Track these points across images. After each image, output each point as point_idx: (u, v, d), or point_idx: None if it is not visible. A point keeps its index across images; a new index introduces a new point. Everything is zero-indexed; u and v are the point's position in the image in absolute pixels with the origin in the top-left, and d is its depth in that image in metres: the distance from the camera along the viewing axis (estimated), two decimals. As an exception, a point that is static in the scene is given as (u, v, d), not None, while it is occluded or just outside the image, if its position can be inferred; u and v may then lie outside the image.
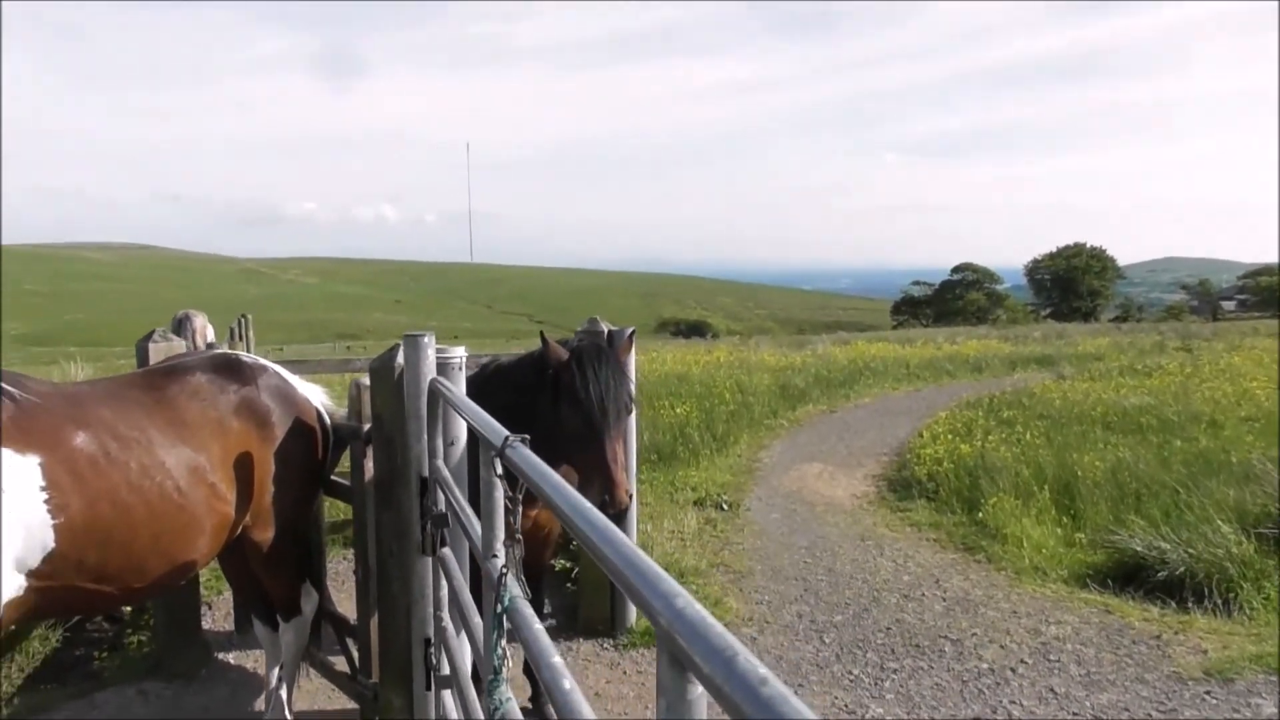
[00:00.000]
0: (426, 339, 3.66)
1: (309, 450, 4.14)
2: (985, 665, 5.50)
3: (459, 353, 3.78)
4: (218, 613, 6.40)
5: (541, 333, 4.16)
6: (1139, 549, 6.84)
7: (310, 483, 4.28)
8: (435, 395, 3.53)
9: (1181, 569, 6.46)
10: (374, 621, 4.31)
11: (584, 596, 6.11)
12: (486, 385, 4.33)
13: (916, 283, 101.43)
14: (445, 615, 3.57)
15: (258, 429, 3.91)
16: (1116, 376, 17.94)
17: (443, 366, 3.69)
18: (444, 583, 3.62)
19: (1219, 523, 6.86)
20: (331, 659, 5.10)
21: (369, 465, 4.25)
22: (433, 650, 3.69)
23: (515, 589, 2.07)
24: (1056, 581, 6.92)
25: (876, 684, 5.30)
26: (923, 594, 6.74)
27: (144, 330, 5.77)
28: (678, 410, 13.03)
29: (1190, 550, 6.57)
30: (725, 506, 9.36)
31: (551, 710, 4.86)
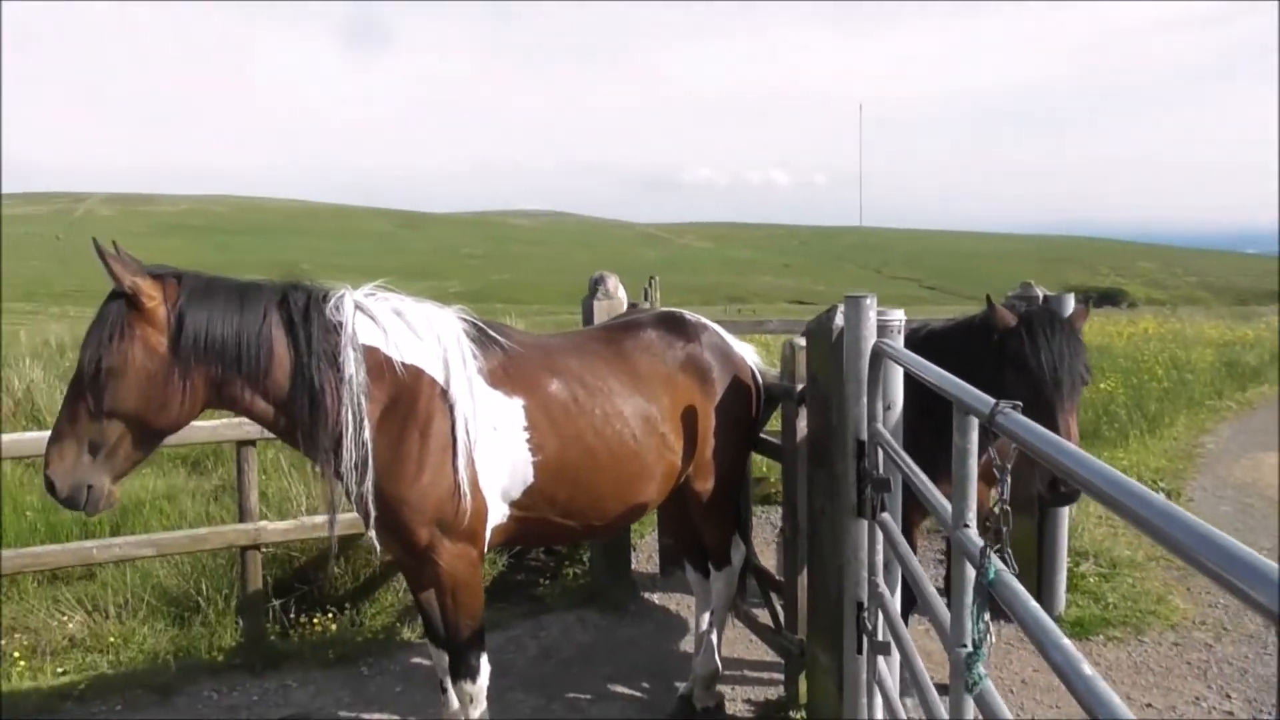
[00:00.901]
0: (868, 300, 3.61)
1: (745, 407, 4.28)
2: None
3: (898, 315, 3.70)
4: (640, 555, 6.86)
5: (988, 296, 3.96)
6: None
7: (746, 438, 4.43)
8: (878, 357, 3.47)
9: None
10: (801, 579, 4.39)
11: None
12: (917, 351, 4.21)
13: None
14: (881, 580, 3.54)
15: (700, 384, 4.10)
16: None
17: (882, 328, 3.63)
18: (880, 548, 3.58)
19: None
20: (754, 611, 5.29)
21: (800, 425, 4.31)
22: (866, 614, 3.67)
23: (998, 562, 1.97)
24: None
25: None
26: None
27: (560, 290, 6.36)
28: (1101, 386, 11.99)
29: None
30: (1162, 494, 8.48)
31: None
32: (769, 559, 6.63)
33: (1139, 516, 1.30)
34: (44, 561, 5.07)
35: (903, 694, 3.59)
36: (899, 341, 3.56)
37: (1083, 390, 3.78)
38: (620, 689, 4.99)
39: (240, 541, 5.37)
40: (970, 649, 2.05)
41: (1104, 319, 26.33)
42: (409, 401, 3.45)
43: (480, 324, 3.74)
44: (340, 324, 3.36)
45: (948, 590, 4.40)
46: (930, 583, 2.82)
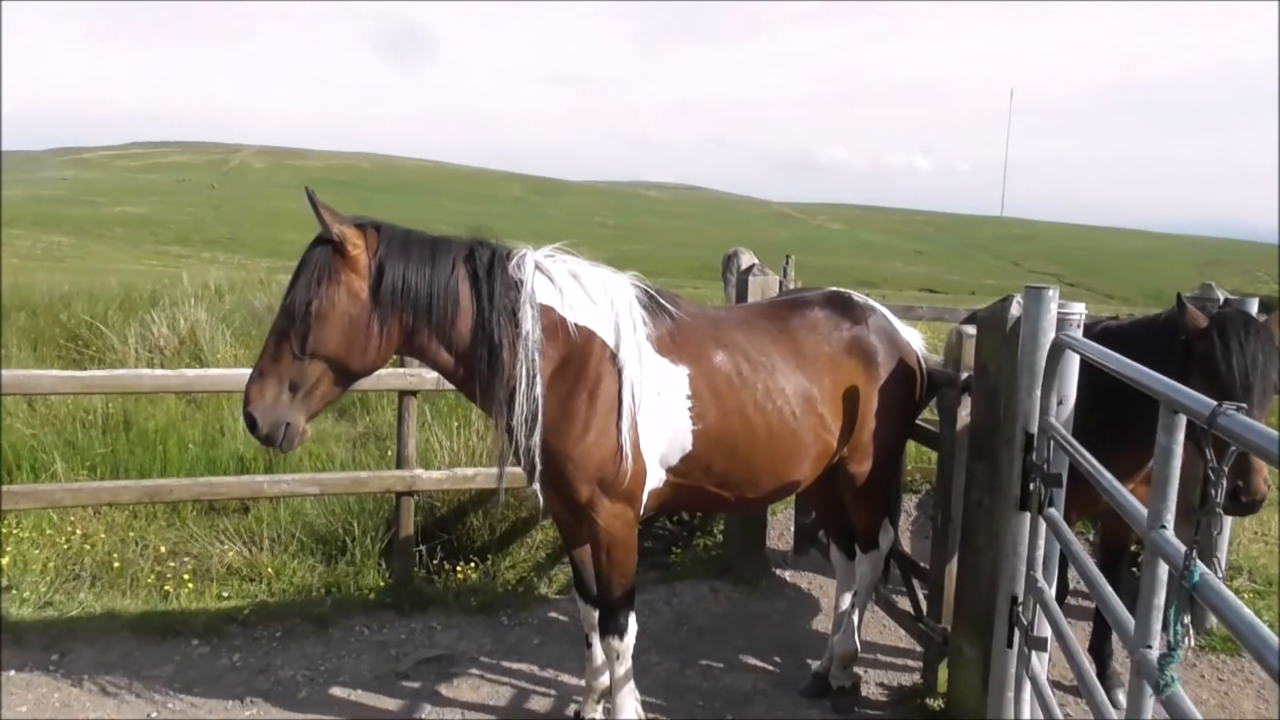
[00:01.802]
0: (1050, 291, 3.53)
1: (908, 393, 4.25)
2: None
3: (1079, 309, 3.60)
4: (773, 531, 6.87)
5: (1179, 294, 3.81)
6: None
7: (905, 424, 4.39)
8: (1057, 350, 3.40)
9: None
10: (950, 568, 4.34)
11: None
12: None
13: None
14: (1040, 576, 3.48)
15: (865, 367, 4.08)
16: None
17: (1062, 321, 3.54)
18: (1041, 543, 3.52)
19: None
20: (894, 597, 5.26)
21: (962, 414, 4.25)
22: (1020, 609, 3.62)
23: (1203, 566, 1.93)
24: None
25: None
26: None
27: (690, 264, 6.34)
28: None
29: None
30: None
31: (1120, 696, 4.57)
32: (907, 546, 6.57)
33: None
34: (218, 492, 5.41)
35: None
36: (1079, 335, 3.47)
37: (1274, 397, 3.62)
38: (753, 661, 5.04)
39: (397, 487, 5.62)
40: (1166, 651, 2.01)
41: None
42: (580, 362, 3.55)
43: (652, 291, 3.80)
44: (520, 282, 3.47)
45: (1061, 591, 4.29)
46: (1105, 580, 2.76)
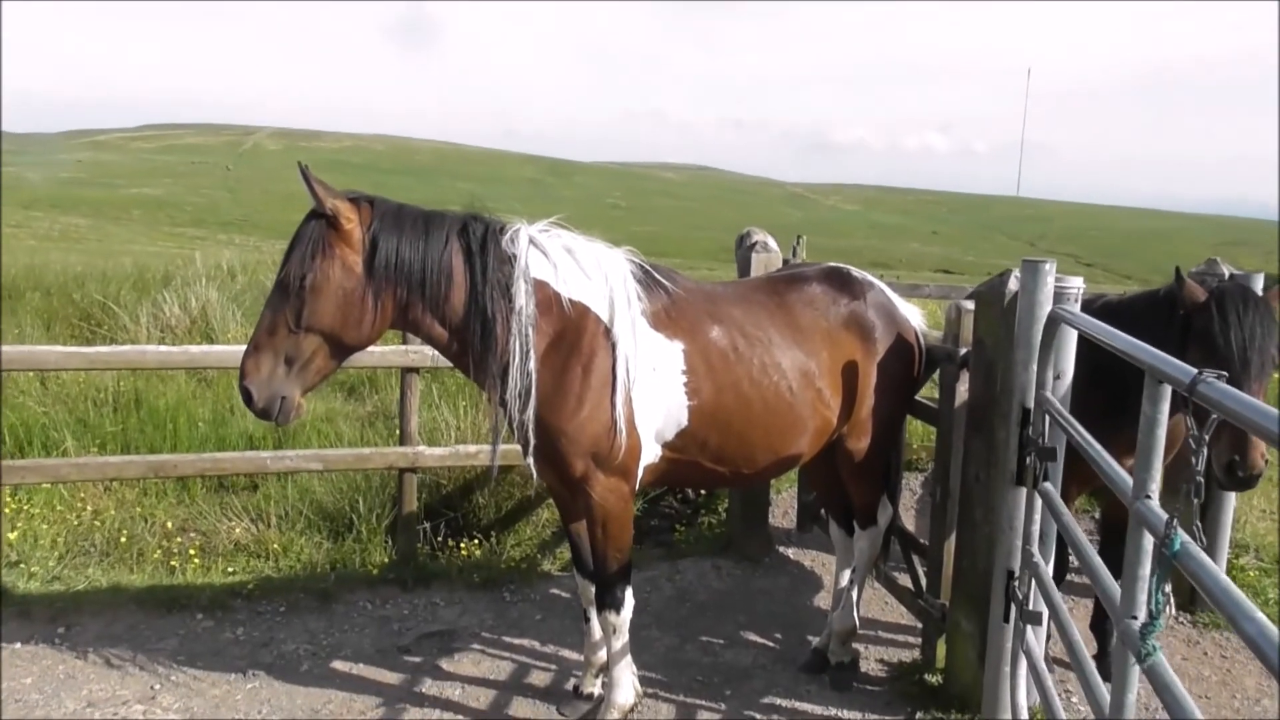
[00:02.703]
0: (1047, 265, 3.51)
1: (907, 368, 4.23)
2: None
3: (1077, 282, 3.58)
4: (776, 509, 6.87)
5: (1177, 269, 3.78)
6: None
7: (903, 400, 4.38)
8: (1053, 323, 3.38)
9: None
10: (948, 544, 4.34)
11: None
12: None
13: None
14: (1036, 550, 3.47)
15: (862, 342, 4.07)
16: None
17: (1059, 296, 3.53)
18: (1037, 517, 3.51)
19: None
20: (895, 574, 5.26)
21: (960, 389, 4.24)
22: (1017, 584, 3.61)
23: (1183, 534, 1.92)
24: None
25: None
26: None
27: (703, 246, 6.31)
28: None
29: None
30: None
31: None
32: (911, 523, 6.57)
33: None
34: (223, 467, 5.44)
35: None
36: (1075, 309, 3.45)
37: (1272, 373, 3.59)
38: (753, 637, 5.06)
39: (400, 464, 5.64)
40: (1146, 619, 2.00)
41: None
42: (574, 337, 3.55)
43: (647, 266, 3.80)
44: (514, 256, 3.48)
45: (1060, 569, 4.24)
46: (1095, 553, 2.75)
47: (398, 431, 7.09)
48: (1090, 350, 3.52)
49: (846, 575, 4.58)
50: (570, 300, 3.56)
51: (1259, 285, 4.72)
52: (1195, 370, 1.89)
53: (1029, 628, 3.48)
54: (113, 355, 4.97)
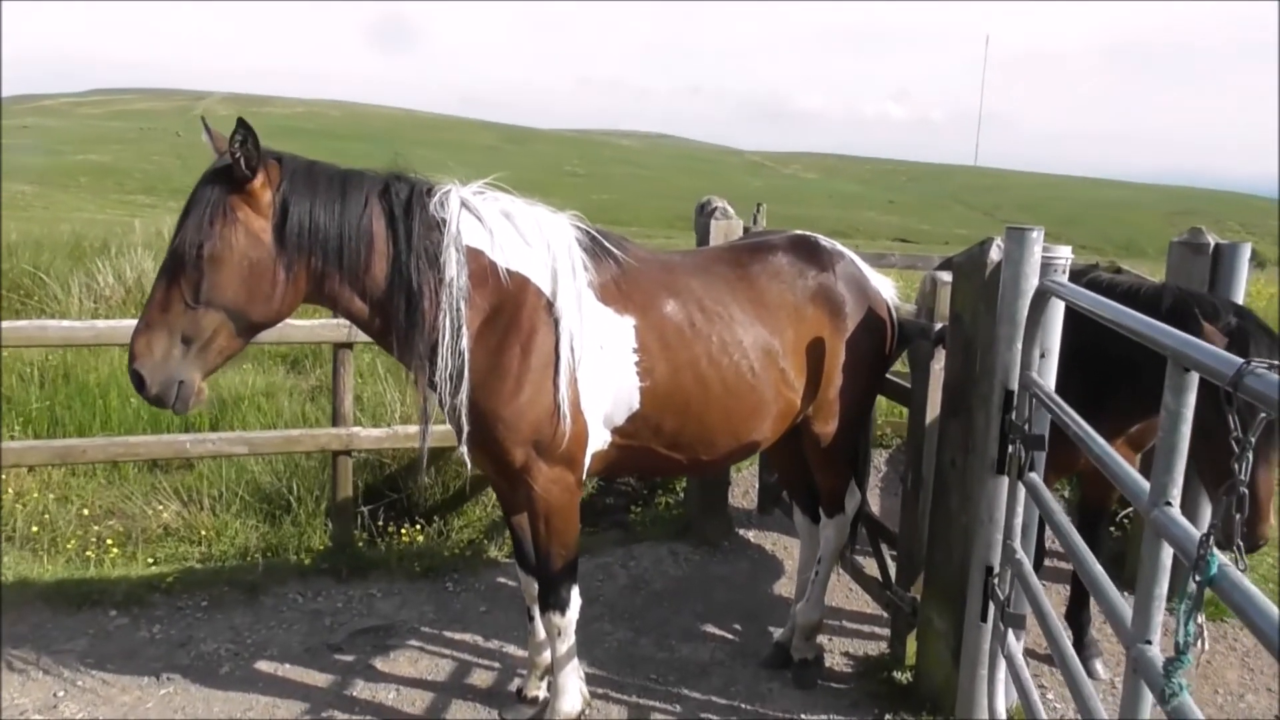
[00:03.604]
0: (1034, 234, 3.19)
1: (878, 346, 3.90)
2: None
3: (1065, 252, 3.27)
4: (737, 489, 6.57)
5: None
6: None
7: (874, 380, 4.06)
8: (1041, 298, 3.06)
9: None
10: (919, 534, 4.05)
11: (1136, 546, 5.35)
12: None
13: None
14: (1018, 546, 3.18)
15: (831, 318, 3.73)
16: None
17: (1045, 267, 3.21)
18: (1020, 510, 3.22)
19: None
20: (862, 559, 4.98)
21: (935, 368, 3.93)
22: (995, 581, 3.32)
23: (1221, 555, 1.61)
24: None
25: None
26: None
27: (661, 214, 5.95)
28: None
29: None
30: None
31: (1097, 666, 4.32)
32: (876, 505, 6.30)
33: None
34: (138, 452, 5.02)
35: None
36: (1065, 281, 3.13)
37: None
38: (711, 629, 4.75)
39: (332, 446, 5.25)
40: (1174, 655, 1.70)
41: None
42: (511, 312, 3.18)
43: (595, 233, 3.43)
44: (444, 221, 3.09)
45: (1037, 555, 3.92)
46: (1097, 561, 2.45)
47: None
48: (1066, 331, 3.21)
49: (814, 567, 4.27)
50: (508, 271, 3.19)
51: (1246, 255, 4.47)
52: (1240, 359, 1.57)
53: (1009, 630, 3.20)
54: (12, 332, 4.51)
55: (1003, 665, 3.30)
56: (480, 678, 4.28)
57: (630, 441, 3.48)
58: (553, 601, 3.49)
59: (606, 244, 3.41)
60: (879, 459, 7.11)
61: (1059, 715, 4.02)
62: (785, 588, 5.27)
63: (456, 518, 6.26)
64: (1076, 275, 3.75)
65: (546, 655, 3.80)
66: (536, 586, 3.63)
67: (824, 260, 3.80)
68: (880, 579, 4.61)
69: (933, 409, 3.93)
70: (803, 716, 3.99)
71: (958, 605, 3.59)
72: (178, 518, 6.09)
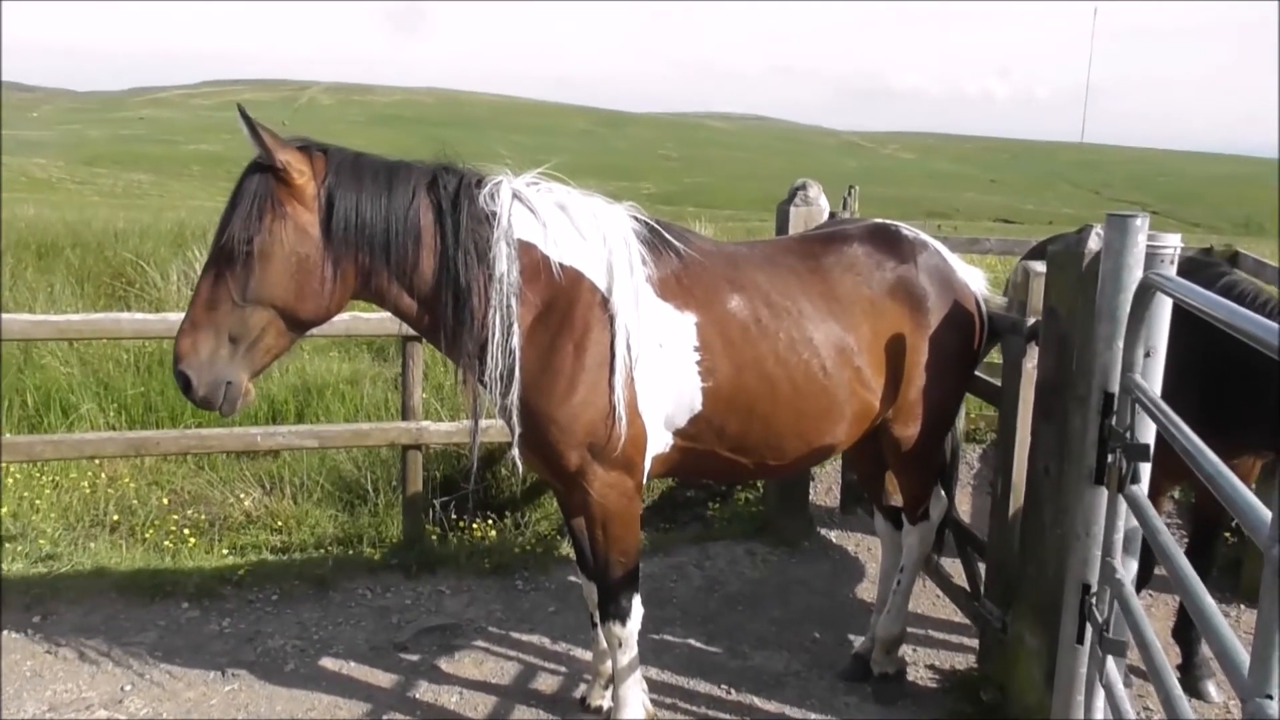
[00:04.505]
0: (1139, 221, 2.86)
1: (965, 343, 3.61)
2: None
3: (1174, 241, 2.93)
4: (819, 486, 6.32)
5: None
6: None
7: (962, 380, 3.77)
8: (1145, 292, 2.75)
9: None
10: (1010, 545, 3.76)
11: (1254, 553, 4.94)
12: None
13: None
14: (1119, 564, 2.88)
15: (912, 313, 3.46)
16: None
17: (1151, 258, 2.89)
18: (1121, 524, 2.91)
19: None
20: (947, 568, 4.69)
21: (1028, 367, 3.63)
22: (1093, 601, 3.03)
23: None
24: None
25: None
26: None
27: (755, 196, 5.72)
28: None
29: None
30: None
31: (1210, 688, 3.97)
32: (967, 504, 5.98)
33: None
34: (209, 444, 5.03)
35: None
36: (1173, 274, 2.81)
37: None
38: (788, 636, 4.54)
39: (402, 440, 5.18)
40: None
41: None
42: (565, 308, 3.01)
43: (655, 225, 3.23)
44: (494, 214, 2.94)
45: (1145, 571, 3.63)
46: (1206, 593, 2.16)
47: (425, 395, 6.66)
48: (1175, 337, 2.88)
49: (896, 576, 4.01)
50: (561, 265, 3.02)
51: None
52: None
53: (1108, 657, 2.90)
54: (84, 324, 4.54)
55: (1100, 695, 3.01)
56: (545, 682, 4.16)
57: (693, 444, 3.28)
58: (612, 611, 3.32)
59: (667, 236, 3.21)
60: (972, 454, 6.75)
61: (1164, 743, 3.70)
62: (868, 592, 5.02)
63: (534, 509, 6.17)
64: (1194, 267, 3.40)
65: (609, 664, 3.64)
66: (597, 593, 3.48)
67: (904, 251, 3.53)
68: (968, 589, 4.32)
69: (1025, 410, 3.63)
70: (882, 735, 3.76)
71: (1051, 624, 3.30)
72: (259, 505, 6.15)
